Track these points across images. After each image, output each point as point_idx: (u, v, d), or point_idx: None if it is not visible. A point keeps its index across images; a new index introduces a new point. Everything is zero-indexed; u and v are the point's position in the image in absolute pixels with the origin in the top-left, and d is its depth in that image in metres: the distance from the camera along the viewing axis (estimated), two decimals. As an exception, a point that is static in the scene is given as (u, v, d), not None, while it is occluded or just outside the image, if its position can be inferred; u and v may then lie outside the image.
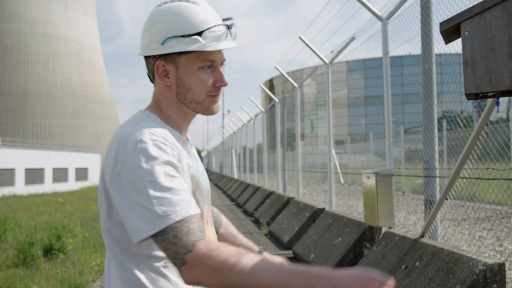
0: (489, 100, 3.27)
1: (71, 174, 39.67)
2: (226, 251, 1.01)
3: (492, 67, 1.09)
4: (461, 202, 8.88)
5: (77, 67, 62.69)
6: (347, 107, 56.40)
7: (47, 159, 35.56)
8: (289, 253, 7.17)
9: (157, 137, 1.12)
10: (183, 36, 1.18)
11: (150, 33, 1.23)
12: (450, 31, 1.17)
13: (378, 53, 5.96)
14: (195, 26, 1.19)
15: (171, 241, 1.01)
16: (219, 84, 1.24)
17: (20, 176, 31.67)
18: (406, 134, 15.08)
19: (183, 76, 1.22)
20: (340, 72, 53.92)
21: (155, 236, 1.03)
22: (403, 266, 4.02)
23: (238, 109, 24.92)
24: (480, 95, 1.16)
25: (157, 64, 1.23)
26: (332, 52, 7.79)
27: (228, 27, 1.24)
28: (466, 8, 1.12)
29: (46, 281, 5.72)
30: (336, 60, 7.73)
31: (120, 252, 1.19)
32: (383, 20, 5.46)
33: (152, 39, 1.22)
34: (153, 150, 1.09)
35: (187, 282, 1.03)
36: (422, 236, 4.23)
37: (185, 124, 1.32)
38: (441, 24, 1.17)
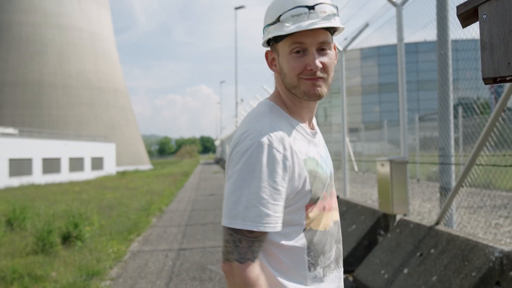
0: (507, 86, 3.22)
1: (87, 164, 40.17)
2: None
3: (511, 51, 1.07)
4: (477, 189, 8.78)
5: (92, 58, 63.02)
6: (361, 94, 55.96)
7: (63, 149, 36.05)
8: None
9: (275, 137, 1.19)
10: (270, 24, 1.25)
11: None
12: (468, 14, 1.16)
13: (392, 40, 5.90)
14: (276, 12, 1.23)
15: (235, 242, 1.16)
16: (309, 67, 1.21)
17: (37, 166, 32.19)
18: (421, 121, 14.92)
19: (280, 62, 1.27)
20: (354, 60, 53.42)
21: (229, 229, 1.17)
22: (418, 254, 4.01)
23: (252, 98, 24.88)
24: (498, 79, 1.14)
25: (265, 53, 1.33)
26: (345, 39, 7.72)
27: (309, 8, 1.19)
28: (483, -9, 1.10)
29: (65, 267, 5.83)
30: (350, 47, 7.66)
31: None
32: (398, 6, 5.38)
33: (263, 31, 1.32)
34: (266, 156, 1.16)
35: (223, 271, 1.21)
36: (437, 223, 4.21)
37: (305, 112, 1.33)
38: (458, 7, 1.15)
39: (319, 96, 1.25)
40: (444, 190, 4.79)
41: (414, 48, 7.61)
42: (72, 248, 6.96)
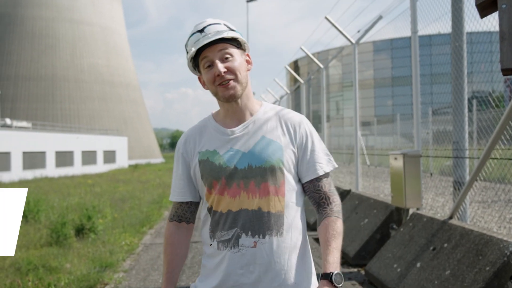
0: (523, 78, 3.17)
1: (100, 157, 40.51)
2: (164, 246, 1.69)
3: (531, 41, 1.05)
4: (491, 184, 8.69)
5: (104, 52, 63.35)
6: (373, 88, 55.44)
7: (76, 142, 36.37)
8: (315, 234, 7.19)
9: (182, 137, 1.67)
10: (187, 56, 1.58)
11: None
12: (486, 4, 1.14)
13: (406, 33, 5.82)
14: (185, 45, 1.60)
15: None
16: (216, 73, 1.49)
17: (50, 159, 32.55)
18: (435, 115, 14.75)
19: (205, 80, 1.57)
20: (367, 53, 52.90)
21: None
22: (431, 248, 3.98)
23: (263, 91, 24.85)
24: (517, 70, 1.12)
25: (198, 79, 1.64)
26: (358, 31, 7.64)
27: (200, 31, 1.51)
28: (503, -20, 1.07)
29: (78, 259, 5.91)
30: (363, 40, 7.58)
31: None
32: (412, -3, 5.30)
33: None
34: (176, 149, 1.69)
35: None
36: (450, 217, 4.17)
37: (230, 115, 1.59)
38: (476, -3, 1.13)
39: (234, 96, 1.52)
40: (458, 184, 4.74)
41: (427, 41, 7.49)
42: (85, 240, 7.04)
